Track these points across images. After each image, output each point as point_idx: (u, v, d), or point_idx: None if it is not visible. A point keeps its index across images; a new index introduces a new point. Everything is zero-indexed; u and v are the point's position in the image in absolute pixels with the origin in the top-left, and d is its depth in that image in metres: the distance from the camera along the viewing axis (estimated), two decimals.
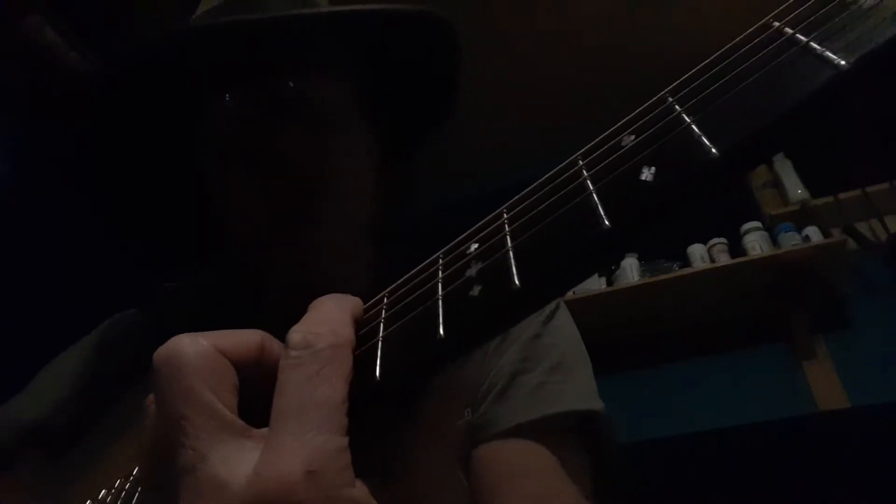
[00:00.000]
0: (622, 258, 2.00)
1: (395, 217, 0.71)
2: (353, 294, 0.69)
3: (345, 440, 0.26)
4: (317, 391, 0.26)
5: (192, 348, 0.27)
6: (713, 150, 0.20)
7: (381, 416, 0.30)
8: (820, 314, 1.88)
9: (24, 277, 1.54)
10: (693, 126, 0.21)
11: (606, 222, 0.22)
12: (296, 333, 0.28)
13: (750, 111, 0.20)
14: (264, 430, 0.26)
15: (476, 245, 0.28)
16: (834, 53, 0.20)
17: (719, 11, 1.98)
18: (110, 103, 0.61)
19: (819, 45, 0.20)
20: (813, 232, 1.89)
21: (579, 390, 0.62)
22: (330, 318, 0.30)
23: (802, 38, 0.21)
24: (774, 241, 1.93)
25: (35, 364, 0.75)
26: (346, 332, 0.29)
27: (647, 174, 0.22)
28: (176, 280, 0.81)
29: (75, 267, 1.67)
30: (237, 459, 0.25)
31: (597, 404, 0.62)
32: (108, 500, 0.46)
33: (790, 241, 1.88)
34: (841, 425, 1.66)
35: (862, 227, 1.91)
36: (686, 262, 2.03)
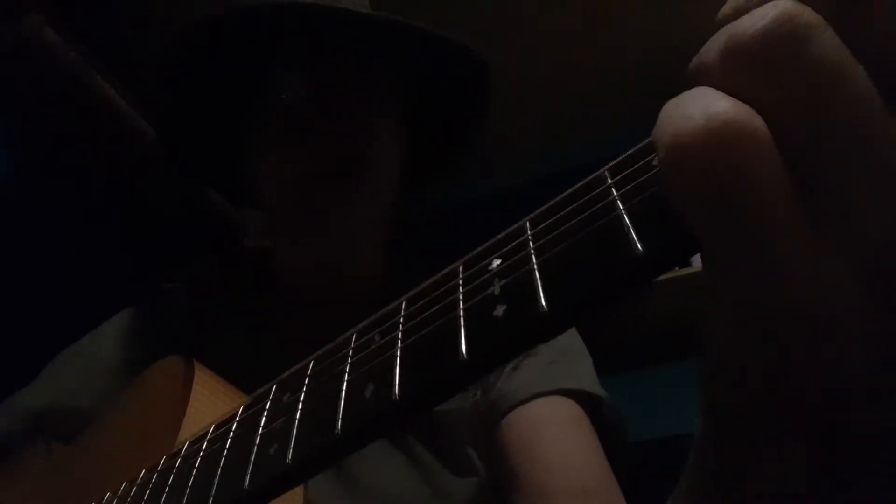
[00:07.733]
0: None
1: (407, 213, 0.76)
2: (368, 288, 0.71)
3: None
4: None
5: None
6: None
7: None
8: None
9: (23, 278, 1.54)
10: None
11: (639, 247, 0.21)
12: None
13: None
14: None
15: (499, 260, 0.27)
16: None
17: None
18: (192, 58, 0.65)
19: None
20: None
21: (588, 376, 0.66)
22: None
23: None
24: None
25: (33, 363, 0.74)
26: None
27: None
28: (176, 280, 0.81)
29: (75, 267, 1.67)
30: None
31: (603, 393, 0.65)
32: (115, 501, 0.45)
33: None
34: None
35: None
36: (686, 262, 2.03)
